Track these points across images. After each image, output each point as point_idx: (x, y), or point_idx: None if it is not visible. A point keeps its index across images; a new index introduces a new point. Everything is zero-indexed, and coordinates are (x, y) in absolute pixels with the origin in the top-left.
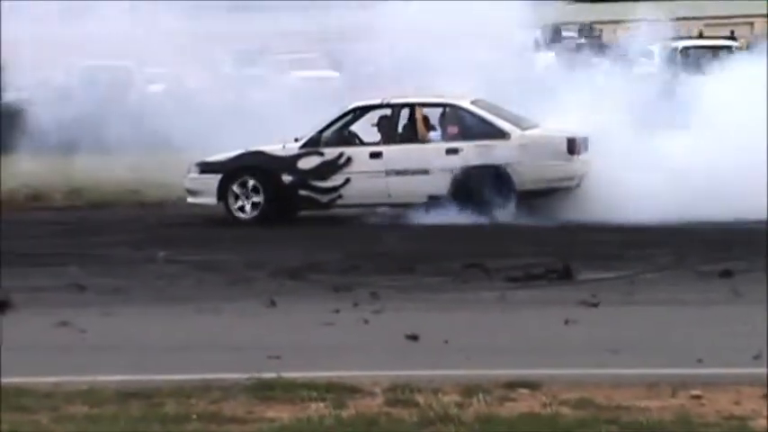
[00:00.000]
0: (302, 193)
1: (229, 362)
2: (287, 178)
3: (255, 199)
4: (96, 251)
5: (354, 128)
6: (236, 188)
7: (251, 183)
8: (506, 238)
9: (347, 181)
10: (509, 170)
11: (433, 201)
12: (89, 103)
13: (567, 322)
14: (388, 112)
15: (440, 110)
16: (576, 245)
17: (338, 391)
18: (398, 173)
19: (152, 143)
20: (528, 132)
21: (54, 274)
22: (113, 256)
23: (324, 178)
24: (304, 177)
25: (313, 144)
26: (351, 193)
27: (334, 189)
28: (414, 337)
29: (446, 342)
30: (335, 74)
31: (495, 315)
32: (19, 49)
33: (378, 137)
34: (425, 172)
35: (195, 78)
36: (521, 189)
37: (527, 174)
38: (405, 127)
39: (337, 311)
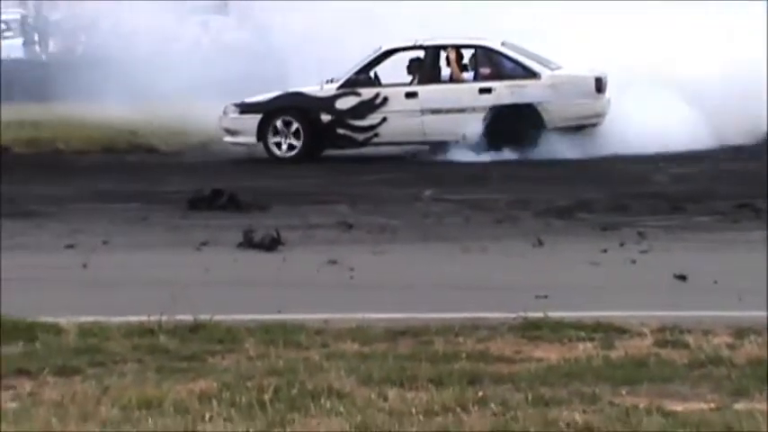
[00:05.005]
0: (340, 131)
1: (496, 301)
2: (325, 117)
3: (294, 138)
4: (363, 190)
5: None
6: (275, 127)
7: (290, 122)
8: None
9: (384, 120)
10: (540, 108)
11: (467, 139)
12: None
13: None
14: (420, 53)
15: (471, 51)
16: None
17: (606, 332)
18: (434, 112)
19: None
20: (557, 72)
21: (323, 212)
22: (380, 194)
23: (361, 117)
24: (342, 117)
25: (350, 85)
26: (387, 132)
27: (371, 128)
28: (682, 278)
29: (716, 282)
30: None
31: (765, 255)
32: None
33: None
34: (460, 111)
35: None
36: (551, 127)
37: (557, 112)
38: (439, 67)
39: (604, 251)
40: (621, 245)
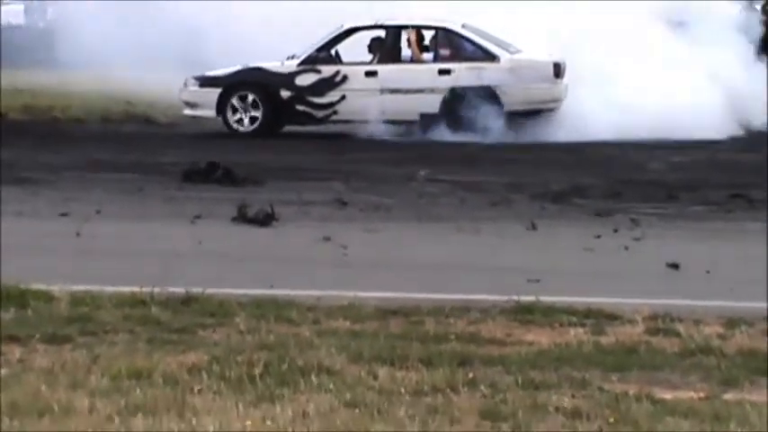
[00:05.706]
0: (299, 108)
1: (488, 283)
2: (285, 93)
3: (254, 113)
4: (358, 168)
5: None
6: (234, 102)
7: (250, 97)
8: None
9: (343, 98)
10: (498, 91)
11: (425, 119)
12: None
13: None
14: (381, 33)
15: (432, 32)
16: None
17: (597, 318)
18: (393, 91)
19: None
20: (516, 56)
21: (318, 189)
22: (375, 173)
23: (320, 95)
24: (301, 93)
25: (310, 62)
26: (346, 110)
27: (330, 105)
28: (675, 266)
29: (708, 272)
30: None
31: (759, 246)
32: None
33: (369, 57)
34: (419, 91)
35: None
36: (509, 110)
37: (515, 95)
38: (399, 47)
39: (598, 237)
40: (615, 231)
